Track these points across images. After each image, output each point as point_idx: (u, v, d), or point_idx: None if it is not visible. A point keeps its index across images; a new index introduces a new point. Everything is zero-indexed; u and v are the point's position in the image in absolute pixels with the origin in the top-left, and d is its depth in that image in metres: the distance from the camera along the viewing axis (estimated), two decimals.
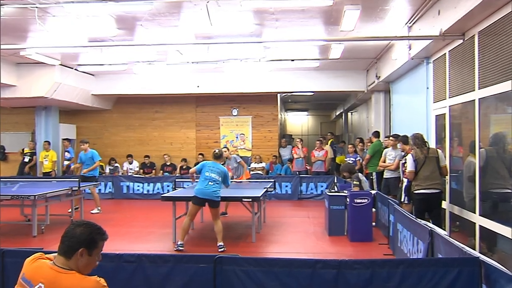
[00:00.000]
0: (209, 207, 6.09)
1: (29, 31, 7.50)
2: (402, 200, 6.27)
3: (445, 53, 6.45)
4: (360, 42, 8.44)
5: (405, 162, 6.16)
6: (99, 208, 9.30)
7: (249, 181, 9.10)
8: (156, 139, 13.67)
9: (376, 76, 10.10)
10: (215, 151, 6.34)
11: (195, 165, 6.77)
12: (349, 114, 17.73)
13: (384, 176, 8.31)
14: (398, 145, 7.60)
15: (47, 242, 6.31)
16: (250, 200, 6.58)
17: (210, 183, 5.99)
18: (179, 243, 5.97)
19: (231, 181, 7.98)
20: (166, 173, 12.80)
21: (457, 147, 6.25)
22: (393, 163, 8.06)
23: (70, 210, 8.44)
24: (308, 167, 12.17)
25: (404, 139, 7.00)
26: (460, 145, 6.15)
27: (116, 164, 12.97)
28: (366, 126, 13.14)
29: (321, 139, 12.70)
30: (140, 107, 13.67)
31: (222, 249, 5.89)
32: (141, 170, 13.00)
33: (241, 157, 9.67)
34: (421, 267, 3.06)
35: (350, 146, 10.69)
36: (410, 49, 7.24)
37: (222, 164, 6.33)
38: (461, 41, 5.78)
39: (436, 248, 3.76)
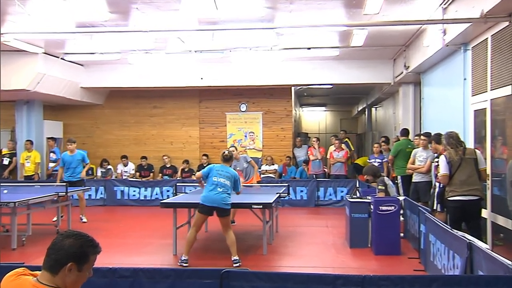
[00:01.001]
0: (218, 216, 6.05)
1: (7, 14, 7.41)
2: (435, 207, 6.21)
3: (486, 38, 6.34)
4: (386, 27, 8.37)
5: (438, 165, 6.07)
6: (85, 216, 9.30)
7: (260, 185, 9.09)
8: (154, 138, 13.71)
9: (405, 66, 10.02)
10: (224, 152, 6.31)
11: (199, 168, 6.77)
12: (373, 109, 17.66)
13: (413, 180, 8.25)
14: (430, 145, 7.51)
15: (28, 256, 6.28)
16: (261, 207, 6.56)
17: (219, 189, 5.96)
18: (182, 258, 5.95)
19: (246, 184, 8.03)
20: (166, 177, 12.82)
21: (500, 147, 6.13)
22: (423, 165, 7.97)
23: (55, 219, 8.47)
24: (325, 170, 12.14)
25: (437, 138, 6.92)
26: (504, 145, 6.03)
27: (109, 167, 13.05)
28: (392, 123, 13.05)
29: (339, 136, 12.64)
30: (136, 102, 13.71)
31: (237, 264, 5.84)
32: (138, 173, 13.05)
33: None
34: (458, 285, 3.00)
35: (375, 145, 10.59)
36: (444, 34, 7.14)
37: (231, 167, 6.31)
38: (507, 23, 5.66)
39: (476, 264, 3.68)
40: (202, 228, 7.03)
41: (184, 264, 5.87)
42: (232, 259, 5.91)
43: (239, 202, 6.67)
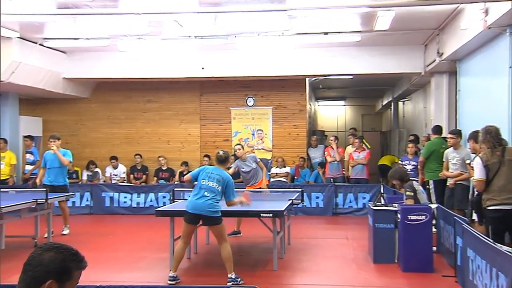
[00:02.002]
0: (205, 226, 6.04)
1: None
2: (474, 217, 6.12)
3: None
4: (416, 8, 8.29)
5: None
6: (68, 226, 9.28)
7: (270, 190, 9.07)
8: (148, 136, 13.73)
9: (438, 52, 9.93)
10: (218, 153, 6.31)
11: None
12: (400, 103, 17.61)
13: (448, 184, 8.16)
14: (468, 144, 7.43)
15: (2, 274, 6.23)
16: (271, 215, 6.56)
17: (206, 193, 5.96)
18: (170, 275, 5.96)
19: (248, 190, 7.97)
20: (162, 181, 12.83)
21: None
22: (464, 172, 7.89)
23: (46, 235, 8.41)
24: (344, 173, 12.12)
25: (475, 136, 6.85)
26: None
27: (96, 169, 13.07)
28: (422, 119, 12.99)
29: (358, 135, 12.60)
30: (128, 95, 13.73)
31: (233, 282, 5.82)
32: (131, 176, 13.08)
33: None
34: None
35: (410, 145, 10.47)
36: (486, 15, 7.04)
37: (230, 169, 6.29)
38: None
39: None
40: (203, 239, 6.98)
41: (171, 282, 5.88)
42: (228, 277, 5.87)
43: (246, 210, 6.65)
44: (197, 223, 6.11)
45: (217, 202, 5.99)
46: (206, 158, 12.71)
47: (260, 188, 8.88)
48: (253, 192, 8.33)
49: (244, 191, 7.27)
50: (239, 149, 9.03)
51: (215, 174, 6.05)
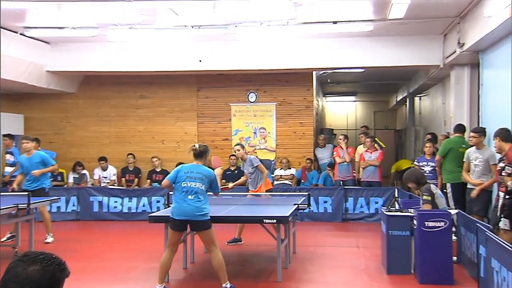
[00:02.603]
0: (193, 232, 6.08)
1: None
2: (500, 224, 6.08)
3: None
4: None
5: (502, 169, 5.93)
6: (52, 234, 9.25)
7: (271, 194, 9.06)
8: (141, 135, 13.71)
9: (459, 43, 9.86)
10: (193, 146, 6.25)
11: None
12: (416, 99, 17.61)
13: (469, 186, 8.12)
14: (493, 143, 7.38)
15: None
16: (275, 221, 6.54)
17: (189, 196, 5.92)
18: (157, 287, 5.97)
19: (254, 193, 7.94)
20: (156, 184, 12.80)
21: None
22: (480, 181, 7.83)
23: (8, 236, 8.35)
24: (355, 175, 12.11)
25: (503, 134, 6.83)
26: None
27: (84, 171, 13.04)
28: (441, 116, 12.96)
29: (368, 133, 12.54)
30: (118, 90, 13.72)
31: None
32: (122, 178, 13.06)
33: (260, 160, 9.57)
34: None
35: (427, 145, 10.40)
36: None
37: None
38: None
39: None
40: (200, 247, 6.92)
41: None
42: (223, 287, 5.89)
43: (247, 215, 6.61)
44: (184, 229, 6.11)
45: (204, 203, 5.96)
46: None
47: (258, 193, 8.81)
48: (253, 196, 8.31)
49: (247, 195, 7.23)
50: (238, 150, 8.98)
51: (195, 173, 6.00)
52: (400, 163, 14.33)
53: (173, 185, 6.10)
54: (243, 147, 9.24)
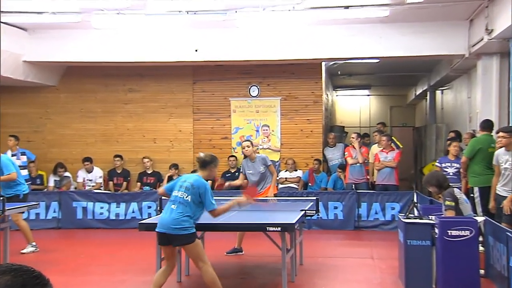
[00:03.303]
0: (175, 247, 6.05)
1: None
2: None
3: None
4: None
5: None
6: (34, 244, 9.23)
7: (278, 199, 9.07)
8: (130, 133, 13.72)
9: (487, 29, 9.84)
10: (200, 155, 6.28)
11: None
12: (437, 93, 17.59)
13: (497, 192, 8.10)
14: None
15: None
16: (279, 229, 6.50)
17: (173, 206, 5.93)
18: None
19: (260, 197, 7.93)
20: (147, 187, 12.82)
21: None
22: None
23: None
24: (369, 178, 12.15)
25: None
26: None
27: (66, 174, 13.03)
28: (466, 112, 12.93)
29: (384, 131, 12.51)
30: (105, 83, 13.73)
31: None
32: (110, 182, 13.07)
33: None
34: None
35: (454, 144, 10.34)
36: None
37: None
38: None
39: None
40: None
41: None
42: None
43: (249, 222, 6.59)
44: (169, 243, 6.03)
45: (187, 217, 5.86)
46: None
47: (265, 197, 8.81)
48: (257, 202, 8.28)
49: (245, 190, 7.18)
50: (248, 147, 8.96)
51: (187, 182, 5.99)
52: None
53: (170, 193, 6.11)
54: (252, 143, 9.24)
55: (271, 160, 9.51)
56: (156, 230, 5.96)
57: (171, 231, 5.82)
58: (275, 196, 9.09)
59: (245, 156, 9.11)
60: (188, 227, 5.84)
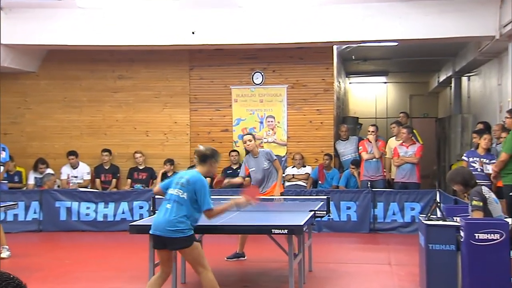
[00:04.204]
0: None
1: None
2: None
3: None
4: None
5: None
6: (7, 247, 9.25)
7: (284, 198, 9.07)
8: (120, 125, 13.76)
9: None
10: (199, 148, 6.25)
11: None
12: (463, 79, 17.56)
13: None
14: None
15: None
16: (286, 231, 6.50)
17: (168, 205, 5.93)
18: None
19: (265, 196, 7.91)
20: (138, 185, 12.87)
21: None
22: None
23: None
24: (386, 175, 12.17)
25: None
26: None
27: (48, 170, 13.06)
28: (496, 100, 12.87)
29: (403, 123, 12.49)
30: (91, 69, 13.75)
31: None
32: (97, 180, 13.10)
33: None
34: None
35: (485, 136, 10.15)
36: None
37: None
38: None
39: None
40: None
41: None
42: None
43: (252, 224, 6.61)
44: (164, 247, 6.03)
45: (183, 217, 5.85)
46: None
47: (271, 196, 8.84)
48: (261, 201, 8.30)
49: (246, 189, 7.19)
50: (250, 141, 8.97)
51: (183, 179, 5.98)
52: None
53: (166, 192, 6.11)
54: (254, 137, 9.25)
55: (276, 155, 9.54)
56: (150, 232, 5.97)
57: (166, 233, 5.81)
58: (281, 195, 9.11)
59: (247, 152, 9.13)
60: (184, 229, 5.83)
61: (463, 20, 11.25)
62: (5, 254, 9.16)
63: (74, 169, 13.02)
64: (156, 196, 8.38)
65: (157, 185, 6.38)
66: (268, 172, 8.96)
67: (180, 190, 5.88)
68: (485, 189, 7.18)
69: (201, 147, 6.24)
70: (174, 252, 6.35)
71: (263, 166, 8.91)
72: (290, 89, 13.32)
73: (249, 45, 12.44)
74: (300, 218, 6.94)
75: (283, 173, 12.49)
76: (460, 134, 15.46)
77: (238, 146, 12.88)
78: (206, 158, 6.15)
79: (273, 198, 8.74)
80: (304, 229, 6.84)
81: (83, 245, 10.67)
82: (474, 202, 6.90)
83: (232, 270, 8.36)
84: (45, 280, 7.74)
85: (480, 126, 11.13)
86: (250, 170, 9.04)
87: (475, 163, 9.87)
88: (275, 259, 7.78)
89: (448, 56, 16.81)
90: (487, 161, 9.86)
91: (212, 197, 6.08)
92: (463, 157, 10.47)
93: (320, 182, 12.67)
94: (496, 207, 7.04)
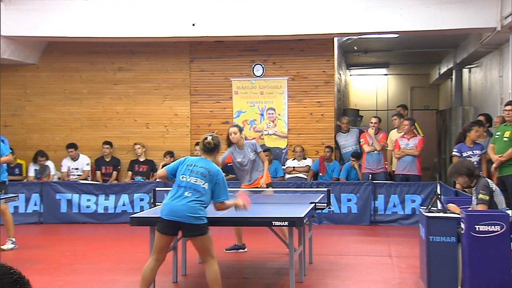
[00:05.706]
0: (185, 238, 6.10)
1: None
2: None
3: None
4: None
5: None
6: (13, 240, 9.29)
7: (274, 190, 9.07)
8: (120, 117, 13.76)
9: None
10: (205, 138, 6.27)
11: None
12: (464, 71, 17.58)
13: None
14: None
15: None
16: (286, 224, 6.51)
17: (186, 193, 5.95)
18: None
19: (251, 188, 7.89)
20: (138, 178, 12.88)
21: None
22: None
23: None
24: (387, 167, 12.17)
25: None
26: None
27: (48, 162, 13.07)
28: (497, 92, 12.89)
29: (404, 115, 12.44)
30: (91, 61, 13.74)
31: None
32: (97, 172, 13.11)
33: (268, 148, 9.55)
34: None
35: (476, 129, 10.19)
36: None
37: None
38: None
39: None
40: (194, 256, 6.93)
41: None
42: None
43: (252, 216, 6.61)
44: (175, 233, 6.13)
45: (202, 205, 5.97)
46: (198, 147, 12.67)
47: (256, 187, 8.82)
48: (252, 193, 8.27)
49: (239, 190, 7.18)
50: (235, 133, 8.88)
51: (199, 167, 6.03)
52: None
53: (172, 177, 6.15)
54: (241, 130, 9.17)
55: (275, 147, 9.52)
56: (164, 217, 5.94)
57: (186, 219, 5.86)
58: (268, 186, 9.04)
59: (230, 144, 8.98)
60: (204, 216, 5.95)
61: (464, 11, 11.22)
62: (8, 246, 9.18)
63: (74, 161, 13.01)
64: (157, 188, 8.49)
65: (162, 170, 6.31)
66: (255, 163, 8.90)
67: (201, 180, 5.96)
68: (490, 182, 7.19)
69: (209, 138, 6.26)
70: (174, 243, 6.35)
71: (250, 157, 8.83)
72: (291, 81, 13.30)
73: (249, 37, 12.42)
74: (300, 210, 6.95)
75: (284, 165, 12.54)
76: (461, 126, 15.38)
77: None
78: (215, 148, 6.24)
79: (257, 191, 8.69)
80: (305, 221, 6.83)
81: (84, 237, 10.70)
82: (481, 196, 6.89)
83: (233, 262, 8.37)
84: (45, 272, 7.75)
85: (481, 118, 11.10)
86: (235, 161, 8.95)
87: (471, 157, 9.76)
88: (276, 251, 7.83)
89: (449, 48, 16.84)
90: (479, 152, 9.92)
91: None
92: (454, 153, 10.30)
93: (320, 174, 12.67)
94: (501, 199, 7.07)
